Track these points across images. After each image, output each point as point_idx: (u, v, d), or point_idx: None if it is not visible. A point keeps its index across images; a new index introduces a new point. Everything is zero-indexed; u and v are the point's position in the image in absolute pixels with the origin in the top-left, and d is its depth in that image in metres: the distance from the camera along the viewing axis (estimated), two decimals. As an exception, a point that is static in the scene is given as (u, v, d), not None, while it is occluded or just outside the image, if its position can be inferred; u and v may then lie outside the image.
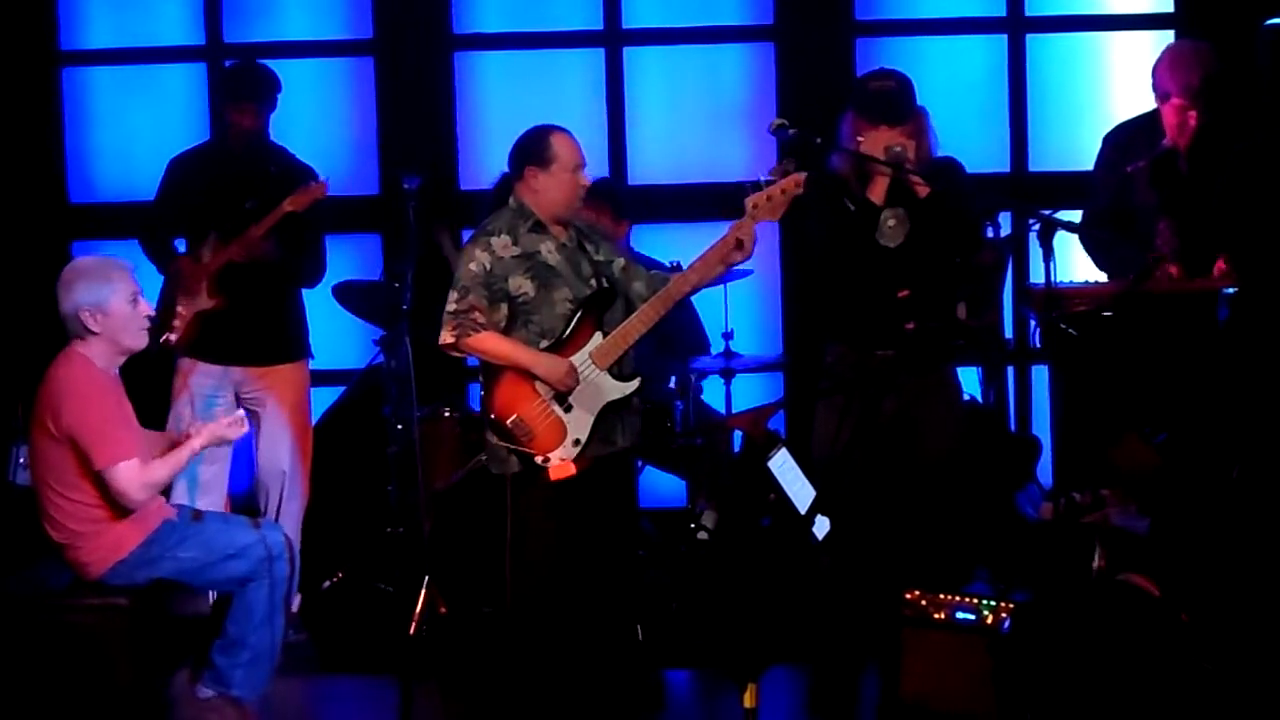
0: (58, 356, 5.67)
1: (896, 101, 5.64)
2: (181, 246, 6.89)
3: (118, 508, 5.59)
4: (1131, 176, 6.19)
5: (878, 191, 5.69)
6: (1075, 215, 6.18)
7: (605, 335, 5.57)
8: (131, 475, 5.54)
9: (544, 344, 5.55)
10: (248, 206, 6.63)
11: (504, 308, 5.57)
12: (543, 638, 5.55)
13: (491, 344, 5.53)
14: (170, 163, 7.07)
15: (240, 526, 5.84)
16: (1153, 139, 6.14)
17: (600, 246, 5.70)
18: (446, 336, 5.53)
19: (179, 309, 6.71)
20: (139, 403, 5.84)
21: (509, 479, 5.55)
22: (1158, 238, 6.09)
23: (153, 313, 5.73)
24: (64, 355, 5.66)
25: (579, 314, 5.57)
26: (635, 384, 5.59)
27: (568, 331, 5.57)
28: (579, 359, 5.55)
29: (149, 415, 6.84)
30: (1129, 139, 6.27)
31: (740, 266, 5.71)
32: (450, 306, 5.54)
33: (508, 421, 5.50)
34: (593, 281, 5.62)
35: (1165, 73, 6.10)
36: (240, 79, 6.88)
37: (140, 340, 5.71)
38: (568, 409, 5.53)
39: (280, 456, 6.83)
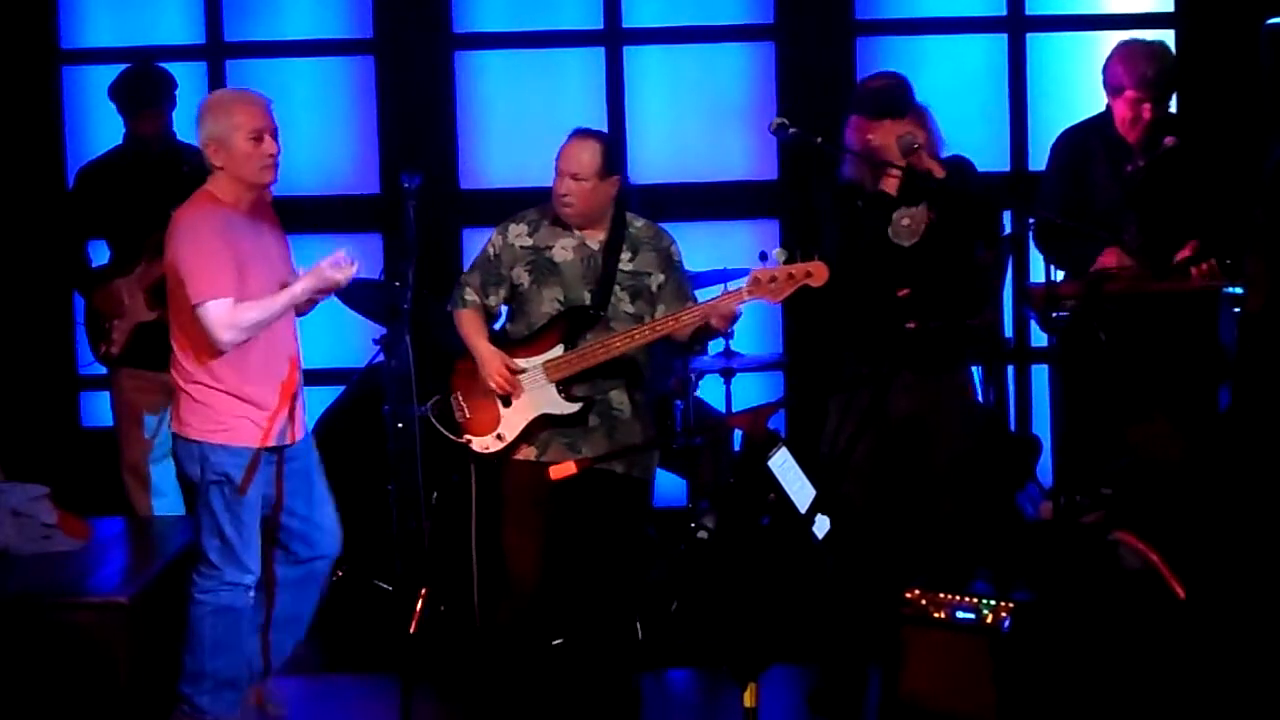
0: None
1: (896, 96, 5.68)
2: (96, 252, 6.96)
3: (226, 378, 5.49)
4: (1090, 177, 6.14)
5: (892, 184, 5.68)
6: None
7: (567, 349, 5.59)
8: (220, 313, 5.40)
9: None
10: (172, 211, 6.62)
11: (502, 292, 5.71)
12: (517, 637, 5.70)
13: (464, 321, 5.73)
14: (79, 174, 7.10)
15: (251, 543, 5.67)
16: (1105, 139, 6.12)
17: (642, 256, 5.70)
18: (450, 303, 5.78)
19: (116, 322, 6.91)
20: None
21: (472, 468, 5.72)
22: (1124, 234, 6.06)
23: (276, 150, 5.52)
24: (194, 194, 5.57)
25: (552, 320, 5.61)
26: (576, 407, 5.61)
27: (535, 333, 5.63)
28: (531, 363, 5.61)
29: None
30: (1082, 140, 6.23)
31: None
32: (461, 277, 5.81)
33: (453, 395, 5.70)
34: (591, 291, 5.62)
35: (1118, 66, 6.07)
36: (135, 87, 6.82)
37: (264, 176, 5.51)
38: (507, 404, 5.64)
39: None
